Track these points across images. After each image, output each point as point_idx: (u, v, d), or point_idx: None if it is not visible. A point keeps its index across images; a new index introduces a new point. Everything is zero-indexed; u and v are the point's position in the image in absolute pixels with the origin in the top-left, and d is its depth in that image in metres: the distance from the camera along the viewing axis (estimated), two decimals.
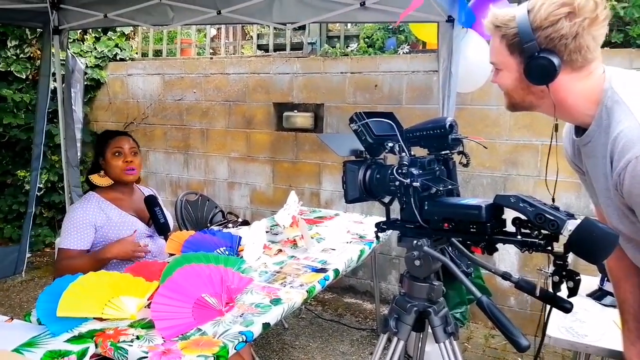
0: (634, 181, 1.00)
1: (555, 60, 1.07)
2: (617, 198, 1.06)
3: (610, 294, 1.84)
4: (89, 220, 2.11)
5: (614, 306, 1.79)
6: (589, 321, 1.73)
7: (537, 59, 1.08)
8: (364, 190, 1.38)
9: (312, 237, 2.53)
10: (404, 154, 1.28)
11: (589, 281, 1.94)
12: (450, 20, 2.48)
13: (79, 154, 3.97)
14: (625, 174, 1.00)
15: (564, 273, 1.06)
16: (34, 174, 3.94)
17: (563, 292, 1.08)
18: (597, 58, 1.10)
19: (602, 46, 1.12)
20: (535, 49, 1.08)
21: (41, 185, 4.61)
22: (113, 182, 2.21)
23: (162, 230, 2.25)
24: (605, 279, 1.88)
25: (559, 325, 1.67)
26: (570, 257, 1.04)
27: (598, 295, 1.91)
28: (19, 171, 4.68)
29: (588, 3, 1.04)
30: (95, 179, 2.21)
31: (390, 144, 1.31)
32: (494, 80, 1.22)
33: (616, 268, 1.37)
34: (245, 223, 2.94)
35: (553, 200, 1.10)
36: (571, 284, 1.05)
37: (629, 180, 1.01)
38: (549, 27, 1.06)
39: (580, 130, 1.17)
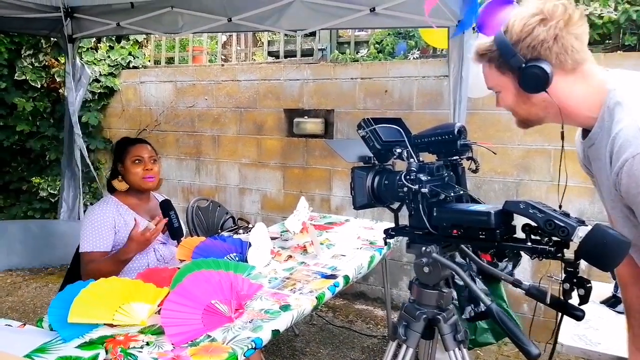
0: (630, 180, 1.00)
1: (545, 66, 1.09)
2: (618, 199, 1.06)
3: None
4: (109, 222, 2.13)
5: None
6: (602, 328, 1.70)
7: (526, 69, 1.11)
8: (372, 197, 1.38)
9: (322, 243, 2.52)
10: (412, 160, 1.28)
11: (603, 288, 1.91)
12: (460, 23, 2.47)
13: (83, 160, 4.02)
14: (622, 173, 1.00)
15: (575, 280, 1.04)
16: None
17: (575, 300, 1.07)
18: (588, 59, 1.11)
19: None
20: (522, 61, 1.11)
21: (55, 192, 4.68)
22: (129, 187, 2.23)
23: (176, 234, 2.26)
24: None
25: (571, 333, 1.65)
26: (584, 264, 1.03)
27: (612, 302, 1.88)
28: (33, 178, 4.75)
29: (557, 8, 1.07)
30: (115, 183, 2.24)
31: (399, 150, 1.31)
32: (498, 104, 1.25)
33: (624, 273, 1.36)
34: None
35: (560, 207, 1.09)
36: (582, 291, 1.04)
37: (626, 180, 1.00)
38: (527, 37, 1.09)
39: (586, 132, 1.17)
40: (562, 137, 1.18)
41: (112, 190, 2.27)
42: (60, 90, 4.69)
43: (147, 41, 5.20)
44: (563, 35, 1.07)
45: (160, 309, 1.59)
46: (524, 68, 1.11)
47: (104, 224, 2.12)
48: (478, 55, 1.20)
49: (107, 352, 1.44)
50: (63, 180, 4.20)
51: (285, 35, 4.33)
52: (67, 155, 4.15)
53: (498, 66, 1.16)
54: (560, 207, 1.09)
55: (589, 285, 1.04)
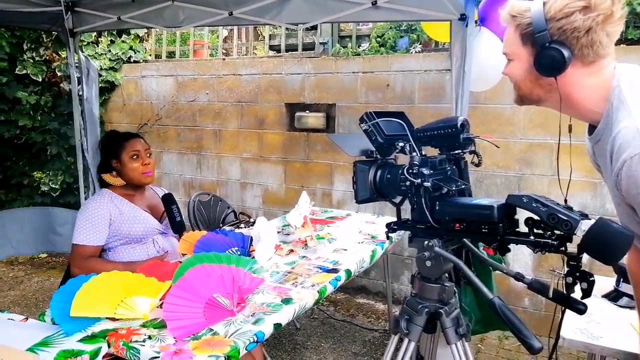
0: (630, 181, 1.00)
1: (566, 53, 1.07)
2: (620, 198, 1.06)
3: (626, 295, 1.82)
4: (103, 215, 2.13)
5: (629, 307, 1.77)
6: (604, 323, 1.70)
7: (547, 50, 1.09)
8: (374, 191, 1.38)
9: (323, 238, 2.53)
10: (414, 153, 1.28)
11: (605, 282, 1.91)
12: (463, 18, 2.46)
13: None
14: (622, 174, 1.00)
15: (578, 274, 1.04)
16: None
17: (577, 294, 1.07)
18: (610, 54, 1.10)
19: (618, 43, 1.11)
20: (547, 40, 1.09)
21: (57, 187, 4.68)
22: (126, 183, 2.23)
23: (178, 228, 2.27)
24: (621, 280, 1.85)
25: (573, 327, 1.65)
26: (586, 257, 1.03)
27: (614, 296, 1.87)
28: (35, 172, 4.75)
29: (605, 0, 1.04)
30: (108, 178, 2.23)
31: (401, 144, 1.31)
32: (504, 71, 1.23)
33: (637, 269, 1.35)
34: None
35: (565, 201, 1.08)
36: (585, 285, 1.04)
37: (625, 181, 1.00)
38: (563, 19, 1.06)
39: (592, 128, 1.16)
40: (570, 130, 1.18)
41: (103, 184, 2.26)
42: (62, 85, 4.68)
43: (148, 35, 5.19)
44: (596, 30, 1.05)
45: (162, 302, 1.59)
46: (545, 47, 1.09)
47: (98, 218, 2.12)
48: (510, 15, 1.16)
49: (109, 345, 1.45)
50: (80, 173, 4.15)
51: (287, 29, 4.31)
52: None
53: (522, 35, 1.14)
54: (565, 201, 1.09)
55: (592, 279, 1.04)
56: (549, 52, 1.08)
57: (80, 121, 3.86)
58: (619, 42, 3.05)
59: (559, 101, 1.13)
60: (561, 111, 1.16)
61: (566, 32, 1.06)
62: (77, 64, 3.63)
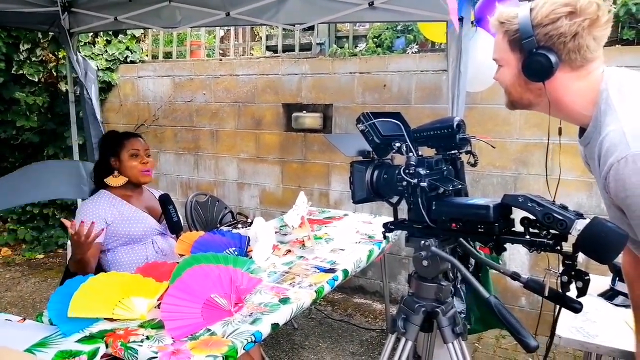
0: (617, 184, 1.00)
1: (553, 58, 1.08)
2: (610, 201, 1.07)
3: (622, 293, 1.83)
4: (100, 215, 2.12)
5: (625, 306, 1.78)
6: (600, 321, 1.71)
7: (534, 56, 1.10)
8: (371, 191, 1.39)
9: (320, 238, 2.53)
10: (411, 154, 1.28)
11: (600, 281, 1.92)
12: (459, 19, 2.46)
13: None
14: (610, 177, 1.01)
15: (573, 273, 1.05)
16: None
17: (573, 292, 1.08)
18: (598, 58, 1.11)
19: (614, 43, 1.13)
20: (534, 46, 1.10)
21: None
22: (127, 181, 2.22)
23: (175, 228, 2.27)
24: (617, 278, 1.86)
25: (569, 326, 1.66)
26: (582, 256, 1.04)
27: (609, 295, 1.88)
28: None
29: (590, 5, 1.06)
30: (112, 180, 2.22)
31: (398, 144, 1.31)
32: (495, 76, 1.25)
33: (630, 271, 1.36)
34: None
35: (553, 201, 1.09)
36: (580, 284, 1.05)
37: (613, 184, 1.01)
38: (549, 25, 1.08)
39: (582, 131, 1.17)
40: (560, 133, 1.19)
41: (101, 185, 2.25)
42: (58, 85, 4.67)
43: (144, 36, 5.18)
44: (583, 35, 1.06)
45: (160, 303, 1.60)
46: (533, 53, 1.10)
47: (95, 218, 2.11)
48: (498, 22, 1.18)
49: (107, 346, 1.45)
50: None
51: (284, 29, 4.31)
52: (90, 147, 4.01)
53: (510, 41, 1.15)
54: (553, 201, 1.10)
55: (587, 277, 1.04)
56: (536, 58, 1.10)
57: (75, 121, 3.85)
58: (614, 43, 3.08)
59: (548, 106, 1.15)
60: (550, 114, 1.17)
61: (553, 37, 1.08)
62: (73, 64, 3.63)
